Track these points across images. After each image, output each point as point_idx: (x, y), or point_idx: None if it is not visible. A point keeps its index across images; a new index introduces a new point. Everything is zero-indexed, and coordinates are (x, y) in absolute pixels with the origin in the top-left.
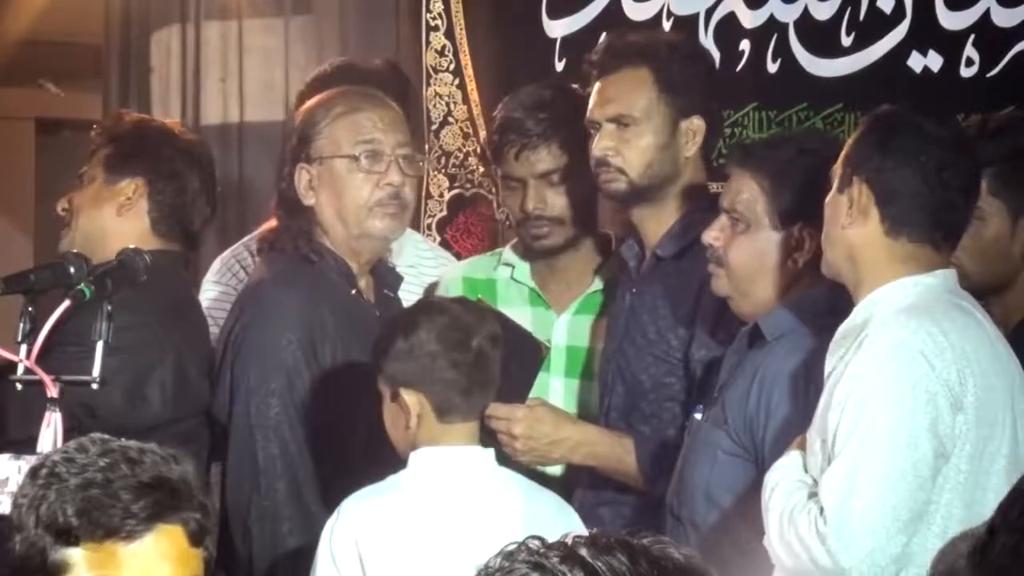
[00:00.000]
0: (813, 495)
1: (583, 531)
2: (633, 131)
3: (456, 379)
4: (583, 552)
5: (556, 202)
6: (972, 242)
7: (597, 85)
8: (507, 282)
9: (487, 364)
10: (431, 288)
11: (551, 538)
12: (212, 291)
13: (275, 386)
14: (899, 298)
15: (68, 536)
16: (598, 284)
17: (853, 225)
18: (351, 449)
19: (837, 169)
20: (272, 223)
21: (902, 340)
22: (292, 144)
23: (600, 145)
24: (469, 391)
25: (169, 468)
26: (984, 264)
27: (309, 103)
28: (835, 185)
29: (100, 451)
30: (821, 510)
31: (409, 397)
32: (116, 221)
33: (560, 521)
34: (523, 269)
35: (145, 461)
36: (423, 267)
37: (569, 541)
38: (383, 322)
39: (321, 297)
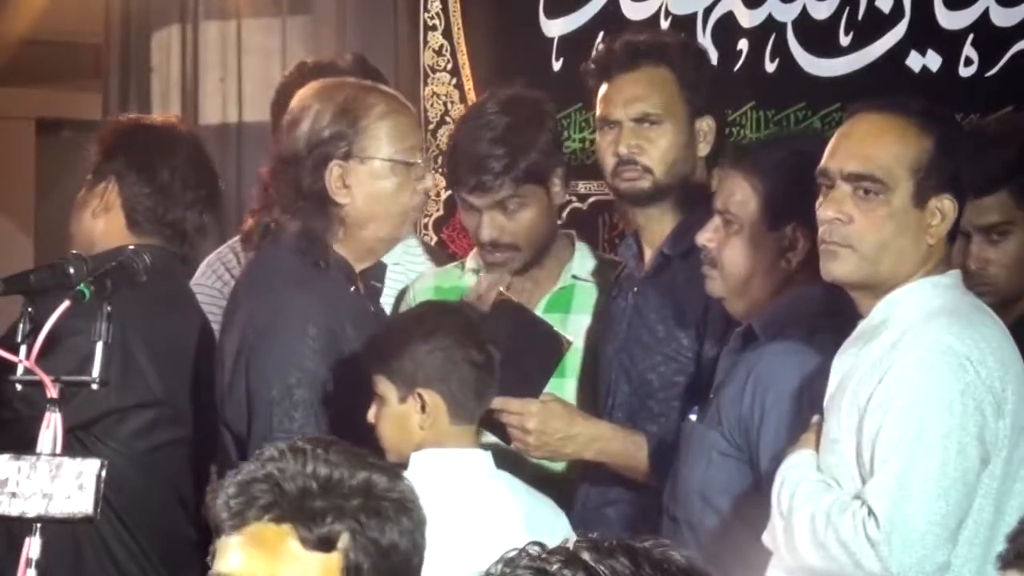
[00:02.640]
0: (855, 498)
1: (573, 536)
2: (658, 129)
3: (474, 380)
4: (585, 556)
5: (513, 228)
6: (1001, 254)
7: (612, 83)
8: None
9: (495, 366)
10: (400, 296)
11: (551, 541)
12: (197, 294)
13: (299, 397)
14: (922, 299)
15: (217, 528)
16: (566, 281)
17: (932, 229)
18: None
19: (899, 176)
20: (261, 218)
21: (948, 346)
22: (323, 138)
23: (625, 143)
24: (482, 393)
25: (307, 473)
26: (1015, 274)
27: (339, 96)
28: (906, 197)
29: (278, 451)
30: (869, 512)
31: (429, 397)
32: (95, 223)
33: (558, 525)
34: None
35: (294, 463)
36: (410, 265)
37: (570, 545)
38: (385, 324)
39: (335, 299)
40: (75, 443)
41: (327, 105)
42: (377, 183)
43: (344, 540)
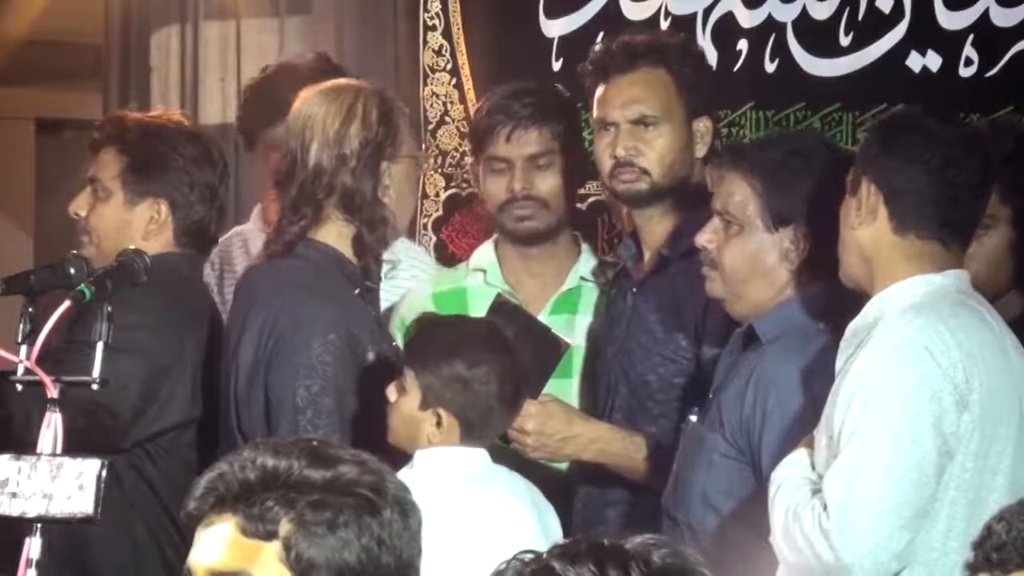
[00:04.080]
0: (818, 491)
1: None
2: (655, 131)
3: (497, 414)
4: (555, 564)
5: (542, 185)
6: (980, 249)
7: (609, 85)
8: (479, 288)
9: (522, 403)
10: (388, 311)
11: (552, 532)
12: None
13: (323, 405)
14: (907, 296)
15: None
16: (574, 282)
17: (862, 225)
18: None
19: (850, 175)
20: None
21: (907, 337)
22: (378, 139)
23: (622, 145)
24: (501, 423)
25: (254, 465)
26: (993, 270)
27: (368, 96)
28: (848, 190)
29: (252, 446)
30: (824, 506)
31: (447, 419)
32: (143, 244)
33: (552, 520)
34: (495, 271)
35: (246, 457)
36: (415, 263)
37: (545, 552)
38: (441, 322)
39: (350, 307)
40: (142, 455)
41: (371, 105)
42: (405, 181)
43: (285, 529)
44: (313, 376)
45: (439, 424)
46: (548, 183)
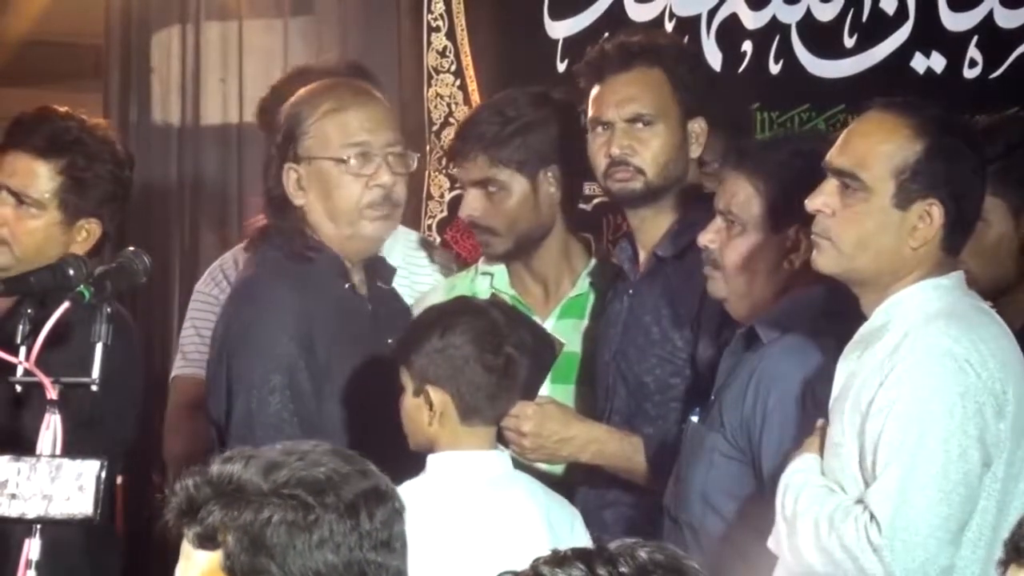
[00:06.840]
0: (858, 502)
1: (587, 538)
2: (650, 130)
3: (485, 383)
4: (543, 570)
5: (489, 211)
6: (977, 244)
7: (605, 84)
8: (487, 293)
9: (516, 371)
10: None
11: (571, 541)
12: (197, 300)
13: (275, 383)
14: (922, 302)
15: None
16: (582, 287)
17: (921, 245)
18: (351, 444)
19: (879, 176)
20: (260, 220)
21: (947, 348)
22: (278, 142)
23: (617, 144)
24: (496, 396)
25: (205, 476)
26: (992, 265)
27: (295, 98)
28: (886, 197)
29: (215, 458)
30: (871, 517)
31: (436, 395)
32: (70, 250)
33: (576, 525)
34: (502, 276)
35: (204, 469)
36: (414, 267)
37: (529, 563)
38: (415, 316)
39: (314, 293)
40: None
41: (283, 110)
42: (325, 182)
43: (223, 537)
44: (265, 355)
45: (432, 406)
46: (498, 209)
